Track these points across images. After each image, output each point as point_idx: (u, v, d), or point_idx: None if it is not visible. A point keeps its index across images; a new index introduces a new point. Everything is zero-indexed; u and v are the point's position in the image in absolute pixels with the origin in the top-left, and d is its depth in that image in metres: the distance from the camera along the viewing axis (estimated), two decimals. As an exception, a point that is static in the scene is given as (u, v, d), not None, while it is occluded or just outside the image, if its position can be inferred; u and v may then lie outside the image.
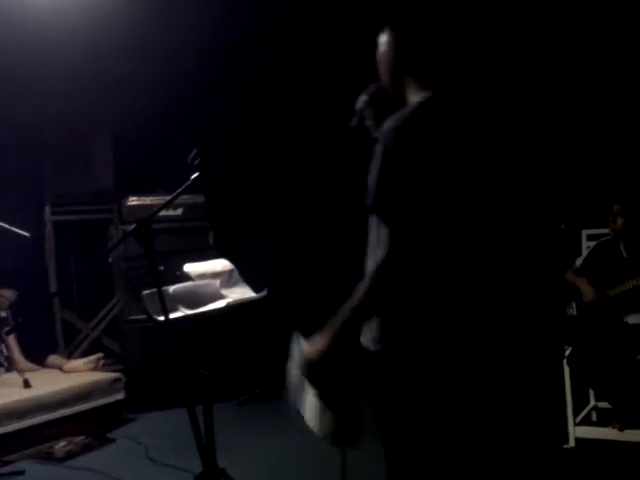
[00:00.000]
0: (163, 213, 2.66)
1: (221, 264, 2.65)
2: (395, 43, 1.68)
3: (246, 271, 2.66)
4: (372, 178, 1.55)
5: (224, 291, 2.52)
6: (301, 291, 4.60)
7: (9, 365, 4.13)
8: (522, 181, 4.19)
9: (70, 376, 4.11)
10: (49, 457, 3.52)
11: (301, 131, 4.76)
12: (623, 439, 3.17)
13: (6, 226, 3.74)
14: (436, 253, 1.59)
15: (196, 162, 2.11)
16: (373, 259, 1.55)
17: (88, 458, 3.54)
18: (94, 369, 4.26)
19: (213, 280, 2.53)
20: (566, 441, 3.31)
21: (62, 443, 3.62)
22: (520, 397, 3.89)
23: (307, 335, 1.60)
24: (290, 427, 3.87)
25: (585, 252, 3.62)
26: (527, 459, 3.24)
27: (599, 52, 4.00)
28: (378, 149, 1.55)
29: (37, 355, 4.30)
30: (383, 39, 1.71)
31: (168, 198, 2.22)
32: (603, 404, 3.52)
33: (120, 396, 4.12)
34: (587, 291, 3.34)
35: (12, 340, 4.16)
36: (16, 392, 3.69)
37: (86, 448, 3.64)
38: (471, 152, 1.64)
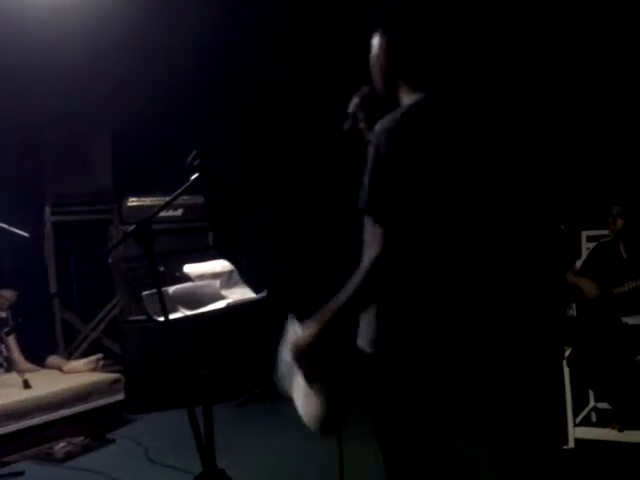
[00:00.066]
0: (163, 214, 2.65)
1: (221, 265, 2.65)
2: (387, 46, 1.69)
3: (246, 272, 2.67)
4: (365, 180, 1.55)
5: (224, 292, 2.52)
6: (301, 291, 4.60)
7: (9, 366, 4.14)
8: (519, 182, 4.19)
9: (70, 377, 4.11)
10: (49, 458, 3.52)
11: (301, 131, 4.76)
12: (623, 440, 3.17)
13: (6, 226, 3.74)
14: (432, 255, 1.60)
15: (196, 163, 2.11)
16: (367, 257, 1.56)
17: (88, 459, 3.54)
18: (94, 370, 4.26)
19: (213, 281, 2.53)
20: (566, 442, 3.31)
21: (62, 444, 3.62)
22: (520, 398, 3.90)
23: (302, 319, 1.63)
24: (290, 428, 3.87)
25: (585, 253, 3.62)
26: (527, 460, 3.24)
27: (598, 53, 4.00)
28: (371, 151, 1.56)
29: (37, 356, 4.30)
30: (375, 42, 1.72)
31: (168, 199, 2.21)
32: (603, 405, 3.52)
33: (120, 397, 4.12)
34: (589, 288, 3.34)
35: (12, 341, 4.16)
36: (16, 393, 3.69)
37: (86, 449, 3.64)
38: (464, 153, 1.65)
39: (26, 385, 3.75)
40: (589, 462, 3.16)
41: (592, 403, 3.60)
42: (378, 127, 1.57)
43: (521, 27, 4.15)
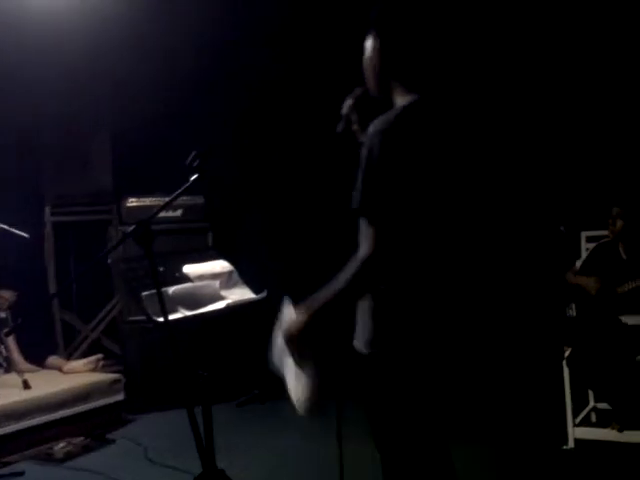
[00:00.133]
0: (162, 214, 2.65)
1: (220, 265, 2.65)
2: (380, 48, 1.69)
3: (245, 272, 2.66)
4: (358, 181, 1.56)
5: (223, 292, 2.52)
6: (300, 292, 4.59)
7: (8, 366, 4.13)
8: (517, 183, 4.20)
9: (69, 377, 4.11)
10: (49, 458, 3.52)
11: (301, 132, 4.76)
12: (622, 440, 3.17)
13: (5, 227, 3.74)
14: (427, 256, 1.61)
15: (195, 164, 2.11)
16: (358, 254, 1.57)
17: (87, 459, 3.54)
18: (93, 370, 4.26)
19: (212, 281, 2.53)
20: (565, 442, 3.31)
21: (62, 444, 3.62)
22: (519, 398, 3.90)
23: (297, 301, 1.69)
24: (289, 428, 3.89)
25: (584, 254, 3.62)
26: (526, 460, 3.24)
27: (597, 55, 4.00)
28: (364, 152, 1.57)
29: (37, 356, 4.30)
30: (368, 44, 1.73)
31: (167, 199, 2.21)
32: (602, 405, 3.52)
33: (119, 397, 4.12)
34: (590, 283, 3.34)
35: (11, 341, 4.16)
36: (15, 393, 3.69)
37: (85, 449, 3.64)
38: (457, 155, 1.66)
39: (26, 385, 3.74)
40: (589, 462, 3.16)
41: (592, 403, 3.60)
42: (371, 128, 1.58)
43: (517, 26, 4.15)
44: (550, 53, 4.13)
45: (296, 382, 1.68)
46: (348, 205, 1.57)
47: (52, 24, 4.13)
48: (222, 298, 2.49)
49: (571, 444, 3.30)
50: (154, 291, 2.11)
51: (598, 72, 4.02)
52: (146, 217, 2.06)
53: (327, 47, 4.49)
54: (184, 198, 4.63)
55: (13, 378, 3.90)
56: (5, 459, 3.45)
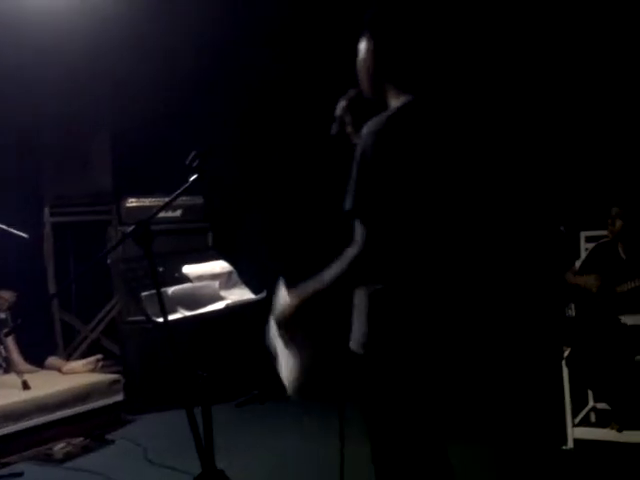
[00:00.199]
0: (162, 214, 2.65)
1: (220, 265, 2.64)
2: (374, 50, 1.70)
3: (245, 272, 2.66)
4: (351, 182, 1.57)
5: (223, 292, 2.52)
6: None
7: (8, 366, 4.13)
8: (515, 183, 4.20)
9: (69, 377, 4.11)
10: (48, 458, 3.52)
11: (301, 132, 4.76)
12: (622, 440, 3.17)
13: (5, 227, 3.74)
14: (423, 257, 1.61)
15: (195, 164, 2.11)
16: (349, 251, 1.58)
17: (87, 459, 3.53)
18: (93, 370, 4.26)
19: (212, 281, 2.53)
20: (565, 442, 3.31)
21: (61, 444, 3.61)
22: (518, 398, 3.90)
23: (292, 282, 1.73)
24: (289, 428, 3.89)
25: (584, 254, 3.62)
26: (526, 460, 3.24)
27: (595, 55, 4.00)
28: (358, 153, 1.58)
29: (36, 356, 4.29)
30: (362, 46, 1.73)
31: (167, 199, 2.21)
32: (602, 405, 3.52)
33: (119, 397, 4.12)
34: (590, 281, 3.34)
35: (11, 341, 4.15)
36: (15, 393, 3.69)
37: (85, 449, 3.64)
38: (451, 156, 1.66)
39: (25, 386, 3.74)
40: (588, 462, 3.16)
41: (591, 403, 3.60)
42: (365, 130, 1.59)
43: (516, 25, 4.15)
44: (549, 53, 4.13)
45: (286, 362, 1.72)
46: (341, 206, 1.58)
47: (52, 24, 4.13)
48: (221, 298, 2.49)
49: (570, 444, 3.30)
50: (154, 291, 2.10)
51: (597, 72, 4.02)
52: (146, 217, 2.06)
53: (327, 47, 4.49)
54: (184, 198, 4.63)
55: (12, 378, 3.90)
56: (4, 460, 3.45)
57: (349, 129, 1.86)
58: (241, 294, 2.56)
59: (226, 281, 2.58)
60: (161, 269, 2.96)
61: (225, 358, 4.27)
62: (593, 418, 3.57)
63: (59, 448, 3.58)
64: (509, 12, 4.13)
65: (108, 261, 4.47)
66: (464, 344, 1.66)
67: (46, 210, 4.62)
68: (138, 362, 4.46)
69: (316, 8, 4.43)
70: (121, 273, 4.48)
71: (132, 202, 4.69)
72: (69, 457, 3.53)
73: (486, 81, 4.16)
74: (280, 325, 1.69)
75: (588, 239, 3.66)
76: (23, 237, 3.82)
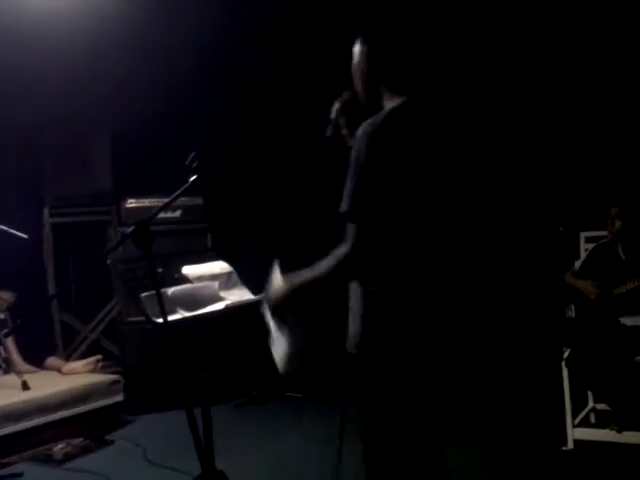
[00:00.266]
0: (161, 215, 2.65)
1: (219, 266, 2.64)
2: (368, 53, 1.70)
3: (244, 273, 2.66)
4: (347, 184, 1.57)
5: (223, 293, 2.52)
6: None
7: (7, 367, 4.13)
8: (514, 183, 4.19)
9: (69, 378, 4.10)
10: (47, 459, 3.52)
11: (301, 132, 4.76)
12: (622, 441, 3.17)
13: (5, 228, 3.74)
14: (418, 258, 1.62)
15: (194, 165, 2.11)
16: (340, 250, 1.59)
17: (87, 460, 3.53)
18: (93, 371, 4.26)
19: (212, 282, 2.53)
20: (564, 443, 3.31)
21: (60, 445, 3.61)
22: (518, 399, 3.90)
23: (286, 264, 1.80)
24: (289, 429, 3.89)
25: (583, 254, 3.62)
26: (525, 461, 3.24)
27: (596, 55, 4.00)
28: (352, 155, 1.58)
29: (36, 357, 4.29)
30: (356, 49, 1.74)
31: (166, 200, 2.21)
32: (602, 406, 3.52)
33: (119, 398, 4.12)
34: (588, 287, 3.34)
35: (10, 342, 4.15)
36: (14, 394, 3.69)
37: (85, 450, 3.63)
38: (447, 157, 1.67)
39: (25, 386, 3.74)
40: (588, 463, 3.16)
41: (591, 404, 3.60)
42: (359, 131, 1.59)
43: (515, 25, 4.15)
44: (548, 53, 4.13)
45: (277, 341, 1.77)
46: (336, 209, 1.59)
47: (52, 24, 4.13)
48: (221, 299, 2.49)
49: (570, 445, 3.30)
50: (153, 292, 2.10)
51: (596, 72, 4.02)
52: (145, 218, 2.06)
53: (327, 47, 4.48)
54: (183, 199, 4.63)
55: (12, 379, 3.90)
56: (4, 460, 3.44)
57: (344, 131, 1.87)
58: (241, 295, 2.56)
59: (226, 282, 2.57)
60: (161, 270, 2.97)
61: (225, 359, 4.26)
62: (593, 419, 3.57)
63: (59, 449, 3.58)
64: (504, 11, 4.13)
65: (108, 262, 4.47)
66: (458, 345, 1.66)
67: (46, 211, 4.62)
68: (138, 363, 4.45)
69: (316, 8, 4.43)
70: (121, 274, 4.48)
71: (132, 203, 4.70)
72: (69, 457, 3.52)
73: (483, 82, 4.16)
74: (271, 307, 1.73)
75: (588, 240, 3.66)
76: (23, 237, 3.82)
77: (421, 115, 1.66)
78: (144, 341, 4.38)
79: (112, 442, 3.78)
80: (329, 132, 1.90)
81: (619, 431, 3.19)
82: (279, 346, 1.76)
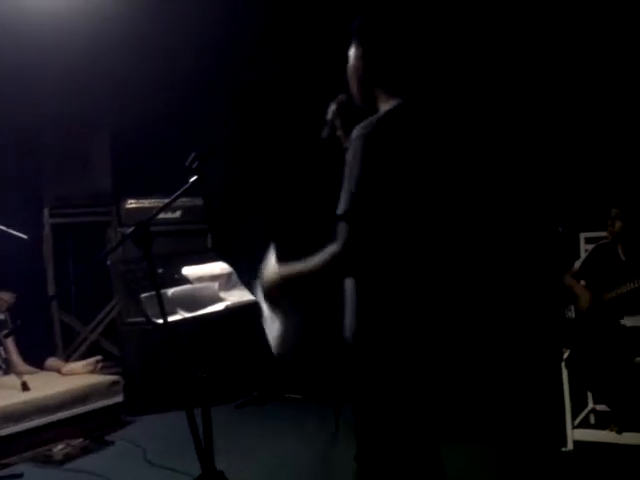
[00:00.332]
0: (161, 216, 2.65)
1: (220, 267, 2.64)
2: (363, 56, 1.72)
3: (244, 274, 2.66)
4: (344, 186, 1.58)
5: (223, 294, 2.52)
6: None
7: (7, 368, 4.13)
8: (513, 184, 4.19)
9: (68, 379, 4.10)
10: (47, 460, 3.51)
11: (301, 132, 4.75)
12: (621, 442, 3.17)
13: (4, 228, 3.74)
14: (413, 259, 1.62)
15: (194, 165, 2.11)
16: (332, 248, 1.59)
17: (86, 461, 3.53)
18: (92, 372, 4.26)
19: (212, 283, 2.53)
20: (564, 444, 3.31)
21: (60, 446, 3.61)
22: (518, 400, 3.90)
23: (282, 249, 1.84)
24: (288, 430, 3.89)
25: (583, 255, 3.62)
26: (525, 462, 3.24)
27: (596, 55, 4.00)
28: (348, 157, 1.59)
29: (35, 358, 4.29)
30: (352, 52, 1.75)
31: (166, 201, 2.21)
32: (601, 407, 3.52)
33: (119, 399, 4.11)
34: (582, 296, 3.35)
35: (10, 343, 4.15)
36: (14, 395, 3.68)
37: (84, 451, 3.63)
38: (442, 158, 1.68)
39: (25, 387, 3.74)
40: (588, 464, 3.16)
41: (591, 405, 3.60)
42: (355, 133, 1.60)
43: (514, 24, 4.14)
44: (547, 54, 4.13)
45: (270, 323, 1.80)
46: (334, 209, 1.59)
47: (52, 24, 4.13)
48: (221, 300, 2.49)
49: (570, 446, 3.30)
50: (153, 293, 2.10)
51: (596, 73, 4.02)
52: (145, 219, 2.06)
53: (327, 47, 4.48)
54: (183, 200, 4.62)
55: (12, 380, 3.90)
56: (4, 461, 3.44)
57: (339, 133, 1.88)
58: (241, 295, 2.56)
59: (226, 282, 2.57)
60: (161, 270, 2.96)
61: (225, 359, 4.27)
62: (593, 420, 3.57)
63: (59, 449, 3.58)
64: (499, 12, 4.13)
65: (108, 262, 4.47)
66: (453, 342, 1.67)
67: (46, 211, 4.62)
68: (138, 363, 4.45)
69: (316, 8, 4.43)
70: (121, 274, 4.47)
71: (132, 203, 4.69)
72: (68, 458, 3.52)
73: (480, 83, 4.16)
74: (264, 292, 1.76)
75: (588, 240, 3.66)
76: (23, 238, 3.82)
77: (416, 117, 1.67)
78: (144, 342, 4.38)
79: (112, 443, 3.78)
80: (325, 133, 1.91)
81: (619, 432, 3.19)
82: (273, 327, 1.79)
